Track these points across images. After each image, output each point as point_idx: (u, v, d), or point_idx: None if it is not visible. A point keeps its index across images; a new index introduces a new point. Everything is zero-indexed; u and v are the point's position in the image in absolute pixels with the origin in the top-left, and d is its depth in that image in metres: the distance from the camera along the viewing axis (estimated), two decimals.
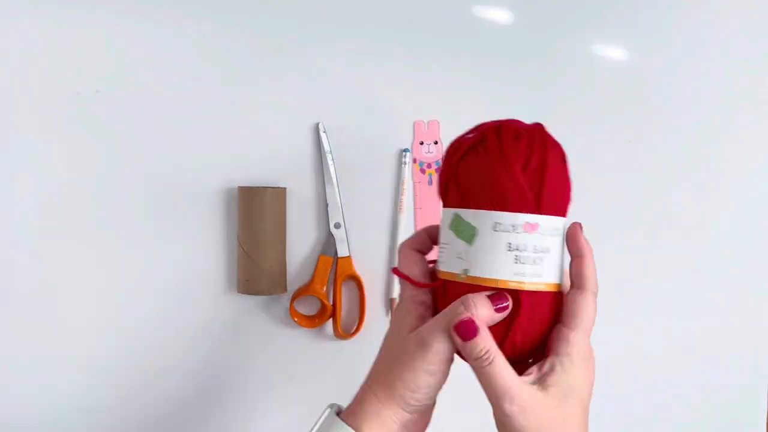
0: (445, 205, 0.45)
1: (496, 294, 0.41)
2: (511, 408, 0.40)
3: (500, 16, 0.66)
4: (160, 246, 0.64)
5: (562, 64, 0.67)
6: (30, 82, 0.61)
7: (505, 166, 0.42)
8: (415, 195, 0.65)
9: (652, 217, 0.68)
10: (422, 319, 0.44)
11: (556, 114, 0.59)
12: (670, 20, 0.68)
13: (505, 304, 0.41)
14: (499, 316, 0.41)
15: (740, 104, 0.69)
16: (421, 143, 0.65)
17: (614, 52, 0.68)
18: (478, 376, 0.41)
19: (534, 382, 0.41)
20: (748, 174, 0.70)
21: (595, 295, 0.43)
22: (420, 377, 0.41)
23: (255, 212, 0.62)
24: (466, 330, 0.40)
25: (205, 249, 0.65)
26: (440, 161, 0.55)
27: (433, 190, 0.65)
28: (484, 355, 0.40)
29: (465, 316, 0.40)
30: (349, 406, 0.44)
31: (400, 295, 0.46)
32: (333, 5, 0.64)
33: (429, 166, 0.65)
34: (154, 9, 0.62)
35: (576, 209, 0.57)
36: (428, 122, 0.65)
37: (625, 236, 0.67)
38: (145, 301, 0.64)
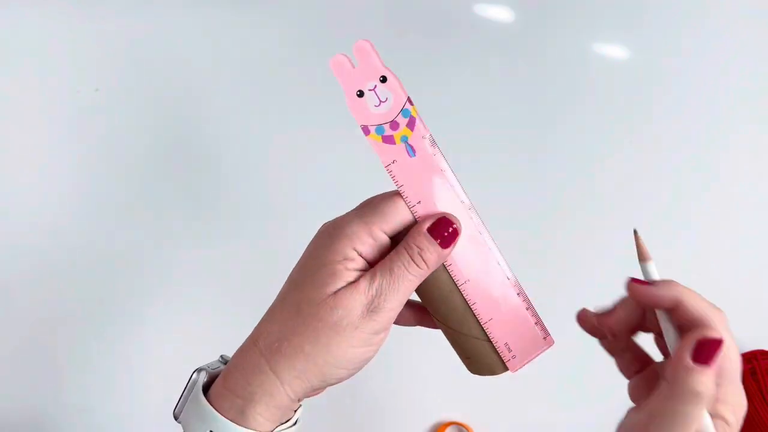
0: None
1: (435, 223, 0.34)
2: None
3: (500, 14, 0.67)
4: None
5: (562, 64, 0.67)
6: (30, 80, 0.62)
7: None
8: (398, 185, 0.35)
9: (652, 217, 0.67)
10: (356, 276, 0.33)
11: (557, 113, 0.66)
12: (671, 19, 0.68)
13: (451, 229, 0.34)
14: (449, 250, 0.34)
15: (741, 103, 0.68)
16: (360, 93, 0.34)
17: (615, 51, 0.68)
18: None
19: None
20: (750, 173, 0.68)
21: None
22: (358, 351, 0.33)
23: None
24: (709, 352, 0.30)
25: None
26: (408, 109, 0.34)
27: (421, 162, 0.35)
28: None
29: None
30: (228, 382, 0.33)
31: (335, 230, 0.34)
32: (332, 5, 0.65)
33: (394, 125, 0.35)
34: (154, 7, 0.63)
35: (576, 209, 0.65)
36: (355, 45, 0.35)
37: (626, 236, 0.54)
38: None
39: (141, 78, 0.63)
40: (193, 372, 0.35)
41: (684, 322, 0.32)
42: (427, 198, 0.35)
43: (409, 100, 0.34)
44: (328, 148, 0.66)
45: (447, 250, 0.34)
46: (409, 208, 0.35)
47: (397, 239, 0.35)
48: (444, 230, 0.34)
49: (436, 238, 0.34)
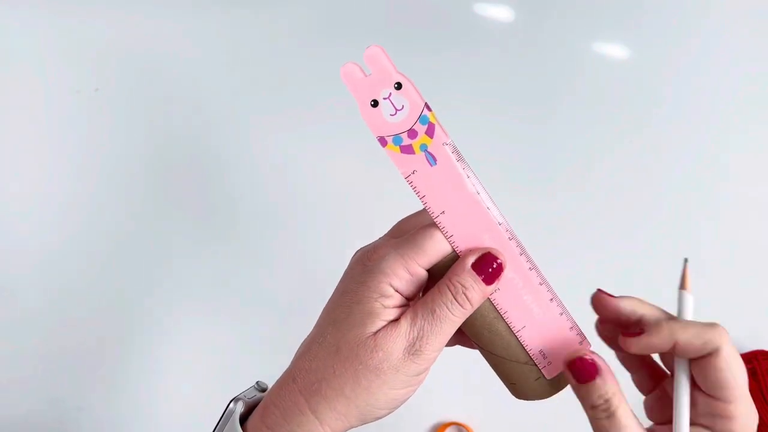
0: None
1: (479, 259, 0.32)
2: None
3: (500, 14, 0.66)
4: None
5: (562, 63, 0.67)
6: (30, 80, 0.61)
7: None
8: (420, 197, 0.34)
9: (652, 216, 0.67)
10: (395, 314, 0.32)
11: (556, 112, 0.66)
12: (671, 19, 0.67)
13: (496, 265, 0.32)
14: (494, 286, 0.32)
15: (742, 103, 0.68)
16: (374, 103, 0.33)
17: (615, 51, 0.68)
18: (592, 425, 0.32)
19: None
20: (751, 173, 0.68)
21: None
22: (399, 392, 0.32)
23: None
24: (582, 370, 0.31)
25: None
26: (427, 115, 0.33)
27: (442, 170, 0.33)
28: (602, 404, 0.31)
29: (581, 353, 0.32)
30: (266, 419, 0.32)
31: (370, 264, 0.33)
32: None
33: (412, 134, 0.33)
34: (154, 7, 0.62)
35: (577, 209, 0.66)
36: (366, 54, 0.33)
37: (626, 236, 0.67)
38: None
39: (141, 78, 0.63)
40: (230, 401, 0.34)
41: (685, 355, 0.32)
42: (451, 208, 0.33)
43: (426, 105, 0.33)
44: (333, 148, 0.65)
45: (491, 287, 0.33)
46: (446, 239, 0.33)
47: (432, 271, 0.33)
48: (488, 266, 0.32)
49: (479, 274, 0.32)
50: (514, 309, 0.35)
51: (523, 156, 0.66)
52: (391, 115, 0.33)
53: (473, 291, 0.32)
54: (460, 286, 0.32)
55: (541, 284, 0.35)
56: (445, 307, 0.32)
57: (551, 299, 0.35)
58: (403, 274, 0.32)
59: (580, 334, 0.35)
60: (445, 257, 0.33)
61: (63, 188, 0.63)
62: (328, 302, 0.34)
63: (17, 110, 0.62)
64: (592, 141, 0.66)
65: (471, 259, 0.32)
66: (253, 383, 0.37)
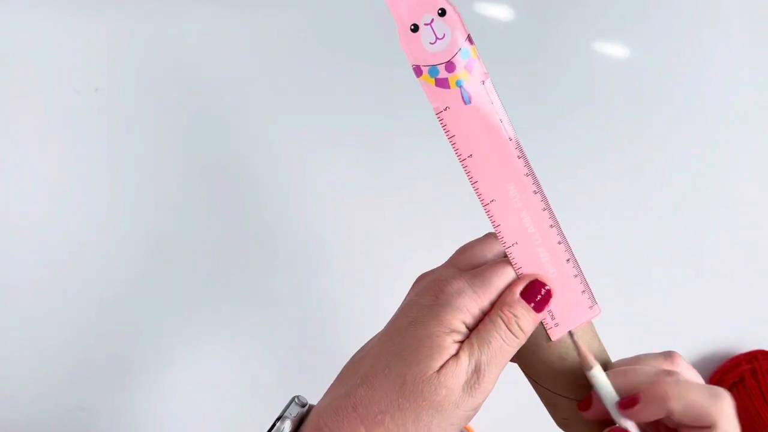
0: None
1: (527, 287, 0.33)
2: None
3: (500, 13, 0.66)
4: None
5: (562, 63, 0.66)
6: (30, 80, 0.61)
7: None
8: (449, 136, 0.31)
9: (652, 216, 0.67)
10: (456, 348, 0.32)
11: (556, 112, 0.67)
12: (671, 19, 0.67)
13: (544, 291, 0.33)
14: (543, 314, 0.33)
15: (742, 103, 0.67)
16: (415, 27, 0.30)
17: (615, 51, 0.68)
18: None
19: None
20: (751, 173, 0.68)
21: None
22: (456, 426, 0.33)
23: None
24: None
25: None
26: (468, 49, 0.31)
27: (475, 112, 0.31)
28: None
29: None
30: None
31: (443, 297, 0.32)
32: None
33: (450, 67, 0.30)
34: (154, 6, 0.62)
35: (578, 209, 0.65)
36: None
37: (627, 237, 0.67)
38: None
39: (141, 78, 0.63)
40: (276, 420, 0.34)
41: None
42: (480, 152, 0.31)
43: (469, 38, 0.30)
44: (338, 149, 0.64)
45: (541, 314, 0.33)
46: (471, 184, 0.32)
47: None
48: (537, 293, 0.33)
49: (529, 302, 0.32)
50: (528, 266, 0.33)
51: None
52: (430, 43, 0.30)
53: (525, 320, 0.32)
54: (512, 316, 0.32)
55: (559, 243, 0.33)
56: (500, 338, 0.32)
57: (568, 260, 0.33)
58: (477, 312, 0.32)
59: (591, 298, 0.34)
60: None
61: (63, 188, 0.62)
62: (391, 326, 0.33)
63: (17, 110, 0.61)
64: (593, 141, 0.67)
65: (519, 288, 0.33)
66: (292, 397, 0.36)
